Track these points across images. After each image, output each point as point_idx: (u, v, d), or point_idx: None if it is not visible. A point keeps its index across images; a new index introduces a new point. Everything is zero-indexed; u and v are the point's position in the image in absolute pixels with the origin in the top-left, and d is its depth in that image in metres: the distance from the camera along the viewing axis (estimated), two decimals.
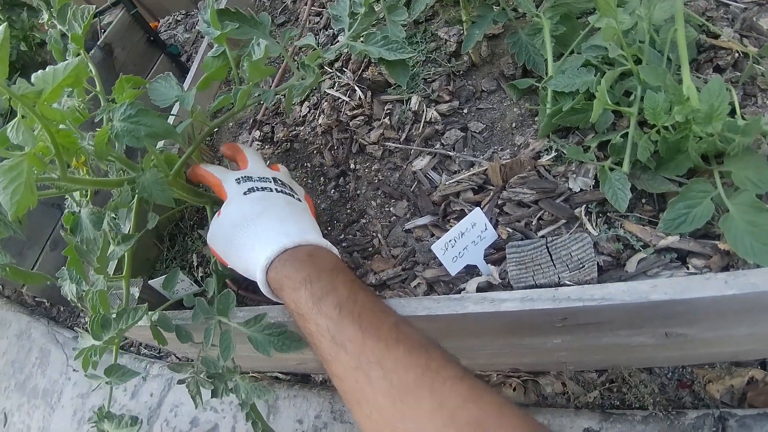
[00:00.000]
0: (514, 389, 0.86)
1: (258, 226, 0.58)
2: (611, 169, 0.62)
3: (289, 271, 0.53)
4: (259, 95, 0.65)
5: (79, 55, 0.75)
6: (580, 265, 0.55)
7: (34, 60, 1.68)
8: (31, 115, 0.51)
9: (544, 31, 0.73)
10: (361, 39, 0.66)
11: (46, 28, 1.83)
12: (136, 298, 0.81)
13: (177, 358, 1.18)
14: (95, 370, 0.64)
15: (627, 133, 0.63)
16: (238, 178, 0.65)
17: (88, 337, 0.69)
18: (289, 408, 0.94)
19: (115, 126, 0.56)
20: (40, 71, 0.55)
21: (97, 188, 0.65)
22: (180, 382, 0.72)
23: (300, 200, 0.67)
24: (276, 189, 0.65)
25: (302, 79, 0.64)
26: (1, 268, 0.58)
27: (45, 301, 1.57)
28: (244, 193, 0.62)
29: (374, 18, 0.66)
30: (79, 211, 0.69)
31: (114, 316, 0.58)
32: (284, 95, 0.66)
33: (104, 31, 1.45)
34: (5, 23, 0.54)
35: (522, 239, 0.62)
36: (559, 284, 0.56)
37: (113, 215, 0.62)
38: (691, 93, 0.58)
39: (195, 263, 0.85)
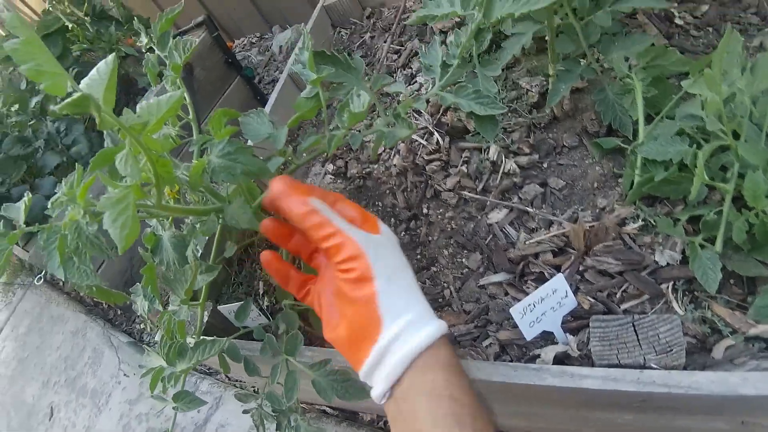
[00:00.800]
0: None
1: (408, 283, 0.47)
2: (702, 246, 0.60)
3: (437, 374, 0.42)
4: (346, 137, 0.66)
5: (175, 82, 0.78)
6: (668, 349, 0.53)
7: (117, 72, 1.78)
8: (135, 145, 0.53)
9: (635, 92, 0.72)
10: (450, 90, 0.66)
11: (138, 44, 1.93)
12: (205, 322, 0.82)
13: (227, 377, 1.19)
14: (164, 393, 0.65)
15: (720, 210, 0.61)
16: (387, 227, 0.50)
17: (155, 356, 0.70)
18: None
19: (213, 161, 0.57)
20: (144, 102, 0.57)
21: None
22: (245, 411, 0.72)
23: None
24: None
25: (391, 127, 0.64)
26: (89, 287, 0.60)
27: (103, 302, 1.63)
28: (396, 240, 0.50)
29: (466, 70, 0.66)
30: (161, 233, 0.71)
31: (192, 345, 0.59)
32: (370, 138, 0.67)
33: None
34: (114, 54, 0.56)
35: (604, 311, 0.60)
36: (644, 366, 0.53)
37: (195, 244, 0.64)
38: None
39: (261, 291, 0.86)
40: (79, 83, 0.51)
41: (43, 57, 0.47)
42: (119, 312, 1.57)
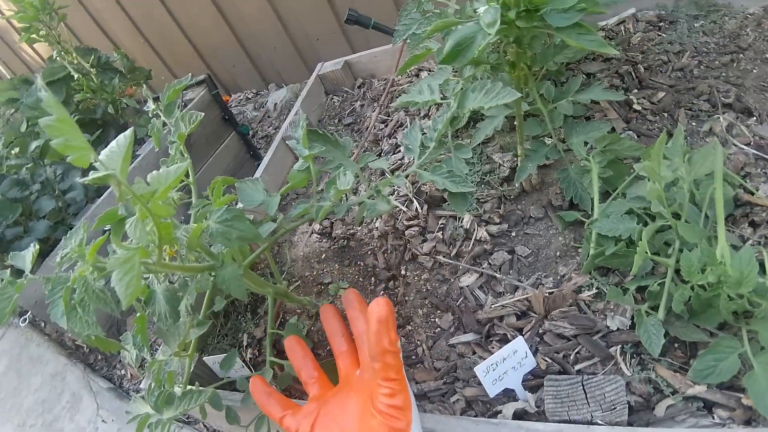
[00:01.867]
0: None
1: None
2: (647, 314, 0.67)
3: None
4: (332, 206, 0.73)
5: (180, 150, 0.86)
6: (612, 407, 0.59)
7: (116, 121, 1.86)
8: (143, 211, 0.60)
9: (592, 173, 0.81)
10: (425, 168, 0.75)
11: (137, 95, 2.03)
12: (190, 371, 0.87)
13: (204, 426, 1.21)
14: None
15: (663, 282, 0.68)
16: None
17: (141, 403, 0.75)
18: None
19: (211, 227, 0.64)
20: (154, 172, 0.64)
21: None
22: None
23: None
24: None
25: (371, 198, 0.72)
26: (88, 337, 0.65)
27: (84, 346, 1.64)
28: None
29: (442, 151, 0.74)
30: (155, 286, 0.76)
31: (179, 394, 0.64)
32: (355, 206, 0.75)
33: (185, 106, 1.61)
34: (132, 129, 0.63)
35: (559, 371, 0.67)
36: (591, 422, 0.59)
37: (189, 300, 0.70)
38: (725, 255, 0.64)
39: (245, 343, 0.91)
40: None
41: (73, 133, 0.54)
42: (100, 357, 1.58)
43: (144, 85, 1.78)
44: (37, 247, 0.75)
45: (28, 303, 1.34)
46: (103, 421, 1.38)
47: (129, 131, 0.61)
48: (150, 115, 0.94)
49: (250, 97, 2.19)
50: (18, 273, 0.71)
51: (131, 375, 1.43)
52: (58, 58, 1.82)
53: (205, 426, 1.22)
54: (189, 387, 0.68)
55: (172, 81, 0.89)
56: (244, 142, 1.73)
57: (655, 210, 0.72)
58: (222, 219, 0.64)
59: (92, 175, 0.51)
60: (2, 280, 0.65)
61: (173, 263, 0.72)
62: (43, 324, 1.86)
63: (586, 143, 0.85)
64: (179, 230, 0.70)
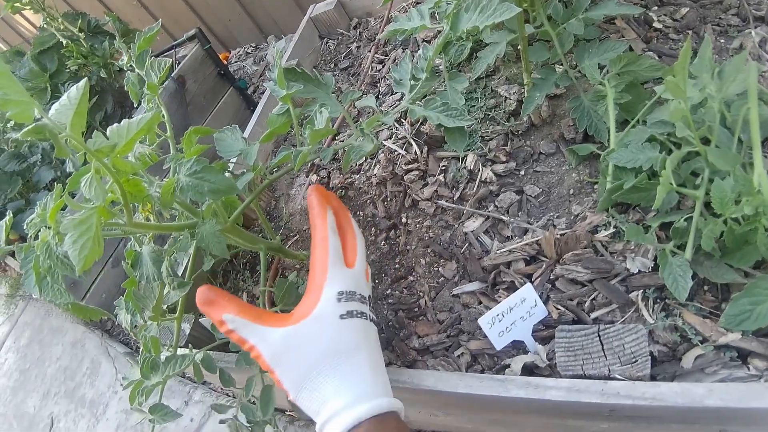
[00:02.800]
0: None
1: (346, 368, 0.48)
2: (673, 254, 0.60)
3: None
4: (317, 152, 0.66)
5: (153, 101, 0.79)
6: (633, 360, 0.53)
7: (111, 86, 1.80)
8: (101, 167, 0.54)
9: (608, 99, 0.72)
10: (420, 102, 0.67)
11: (125, 68, 1.95)
12: (187, 334, 0.83)
13: (219, 387, 1.20)
14: (140, 406, 0.66)
15: (691, 217, 0.60)
16: (342, 292, 0.52)
17: (136, 368, 0.72)
18: None
19: (181, 180, 0.58)
20: (115, 125, 0.58)
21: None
22: (221, 422, 0.73)
23: (375, 322, 0.57)
24: (370, 316, 0.55)
25: (361, 140, 0.65)
26: (65, 305, 0.61)
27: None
28: (341, 317, 0.51)
29: (435, 83, 0.66)
30: (141, 248, 0.72)
31: (163, 360, 0.60)
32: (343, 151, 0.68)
33: (179, 64, 1.54)
34: (85, 79, 0.57)
35: (573, 320, 0.60)
36: (608, 377, 0.53)
37: (173, 259, 0.65)
38: (763, 183, 0.55)
39: None
40: None
41: (11, 87, 0.48)
42: (116, 323, 1.59)
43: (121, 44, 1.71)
44: (11, 216, 0.71)
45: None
46: (121, 385, 1.38)
47: (82, 82, 0.54)
48: (125, 68, 0.87)
49: (249, 51, 2.10)
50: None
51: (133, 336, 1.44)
52: (45, 26, 1.75)
53: (221, 387, 1.21)
54: (174, 353, 0.64)
55: (168, 42, 0.83)
56: (243, 97, 1.65)
57: (680, 135, 0.63)
58: (191, 171, 0.58)
59: (25, 128, 0.45)
60: None
61: (148, 223, 0.67)
62: None
63: (600, 67, 0.75)
64: (152, 187, 0.65)
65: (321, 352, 0.49)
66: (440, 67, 0.78)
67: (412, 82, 0.66)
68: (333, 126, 0.97)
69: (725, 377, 0.54)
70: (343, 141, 0.99)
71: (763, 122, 0.66)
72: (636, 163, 0.64)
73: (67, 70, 1.62)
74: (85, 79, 0.56)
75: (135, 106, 1.78)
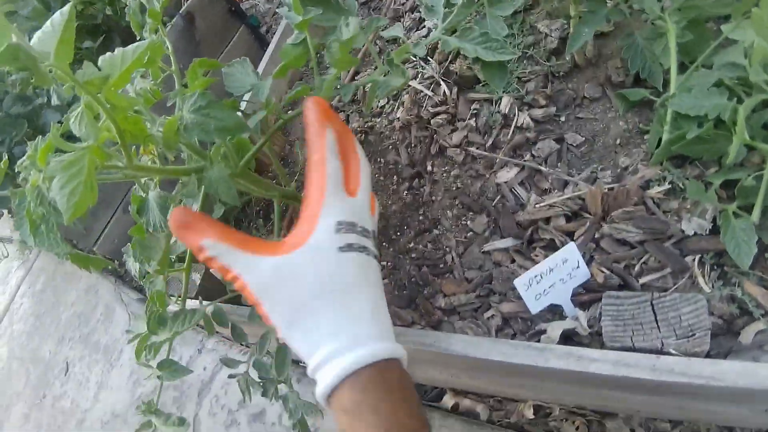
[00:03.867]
0: (577, 428, 0.79)
1: (344, 307, 0.43)
2: (736, 216, 0.53)
3: (373, 414, 0.39)
4: (338, 88, 0.59)
5: (156, 32, 0.72)
6: (691, 333, 0.47)
7: (119, 25, 1.71)
8: (91, 102, 0.48)
9: (668, 36, 0.63)
10: (456, 33, 0.59)
11: None
12: (197, 284, 0.79)
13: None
14: (148, 362, 0.62)
15: (761, 175, 0.53)
16: (341, 223, 0.45)
17: (142, 321, 0.68)
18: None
19: (185, 117, 0.52)
20: (108, 54, 0.51)
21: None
22: (231, 376, 0.70)
23: (377, 258, 0.49)
24: (373, 252, 0.47)
25: (386, 75, 0.57)
26: (64, 255, 0.57)
27: (114, 260, 1.62)
28: (340, 248, 0.44)
29: (473, 9, 0.58)
30: (147, 194, 0.67)
31: (171, 315, 0.56)
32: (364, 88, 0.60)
33: (187, 0, 1.44)
34: (71, 3, 0.50)
35: (620, 285, 0.54)
36: (661, 351, 0.48)
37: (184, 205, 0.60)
38: None
39: None
40: (80, 37, 0.46)
41: None
42: (127, 269, 1.57)
43: None
44: (6, 159, 0.66)
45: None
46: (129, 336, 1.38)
47: (67, 6, 0.47)
48: None
49: None
50: None
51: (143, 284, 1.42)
52: None
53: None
54: (182, 308, 0.60)
55: None
56: (256, 36, 1.56)
57: (754, 80, 0.54)
58: (196, 107, 0.51)
59: None
60: None
61: (150, 165, 0.61)
62: (74, 240, 1.86)
63: (659, 0, 0.66)
64: (155, 125, 0.59)
65: (316, 287, 0.43)
66: None
67: (446, 9, 0.58)
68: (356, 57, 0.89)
69: None
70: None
71: None
72: (700, 111, 0.56)
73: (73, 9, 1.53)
74: (71, 3, 0.49)
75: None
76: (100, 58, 0.51)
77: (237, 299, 0.71)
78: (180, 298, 0.66)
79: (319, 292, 0.42)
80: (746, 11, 0.57)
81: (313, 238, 0.44)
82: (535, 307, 0.54)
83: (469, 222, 0.68)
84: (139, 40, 0.81)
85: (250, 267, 0.43)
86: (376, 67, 0.59)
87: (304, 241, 0.44)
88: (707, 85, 0.58)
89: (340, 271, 0.43)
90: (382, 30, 0.59)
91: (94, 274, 1.62)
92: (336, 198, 0.46)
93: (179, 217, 0.46)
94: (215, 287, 0.81)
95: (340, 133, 0.49)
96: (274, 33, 1.82)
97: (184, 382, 1.16)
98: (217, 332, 1.26)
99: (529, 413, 0.75)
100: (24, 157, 0.58)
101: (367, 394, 0.38)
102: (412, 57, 0.86)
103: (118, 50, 0.51)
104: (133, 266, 0.74)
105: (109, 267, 0.73)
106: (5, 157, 0.69)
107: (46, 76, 0.42)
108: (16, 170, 0.58)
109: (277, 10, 1.87)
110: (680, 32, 0.63)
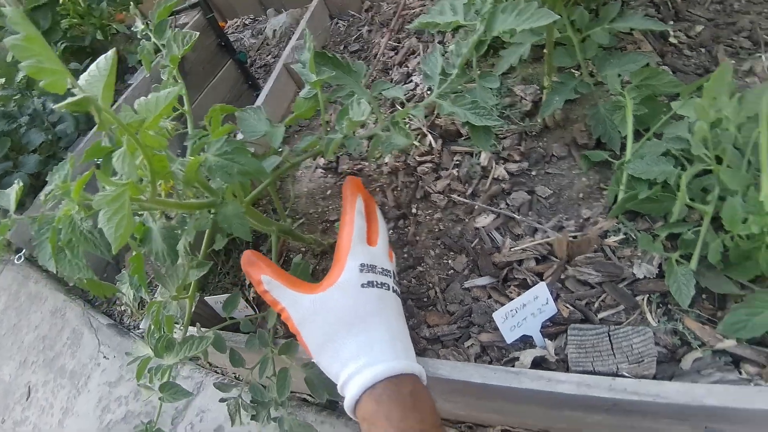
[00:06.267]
0: None
1: (365, 333, 0.52)
2: (678, 263, 0.63)
3: (389, 410, 0.46)
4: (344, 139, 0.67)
5: (173, 74, 0.78)
6: (640, 359, 0.56)
7: (107, 49, 1.74)
8: (132, 143, 0.53)
9: (626, 110, 0.74)
10: (445, 97, 0.68)
11: (129, 23, 1.89)
12: (191, 312, 0.83)
13: (208, 363, 1.20)
14: (151, 383, 0.66)
15: (698, 230, 0.63)
16: (363, 265, 0.56)
17: (142, 344, 0.71)
18: None
19: (210, 160, 0.58)
20: (142, 98, 0.57)
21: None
22: (222, 400, 0.74)
23: (399, 294, 0.61)
24: (393, 287, 0.58)
25: (387, 131, 0.65)
26: (79, 280, 0.61)
27: None
28: (362, 285, 0.54)
29: (465, 80, 0.67)
30: (151, 224, 0.71)
31: (179, 340, 0.60)
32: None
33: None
34: (114, 49, 0.56)
35: (582, 319, 0.63)
36: (616, 374, 0.56)
37: (188, 239, 0.65)
38: None
39: (248, 282, 0.87)
40: (65, 57, 0.52)
41: (45, 54, 0.47)
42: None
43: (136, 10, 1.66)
44: (22, 184, 0.69)
45: (24, 240, 1.29)
46: (104, 357, 1.37)
47: (111, 52, 0.53)
48: (139, 36, 0.85)
49: (247, 23, 2.06)
50: (5, 212, 0.66)
51: (132, 311, 1.41)
52: None
53: (208, 362, 1.21)
54: (190, 334, 0.65)
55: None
56: (242, 71, 1.62)
57: (696, 153, 0.65)
58: (222, 151, 0.58)
59: (68, 100, 0.44)
60: None
61: (170, 200, 0.66)
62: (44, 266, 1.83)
63: (619, 76, 0.77)
64: (175, 164, 0.64)
65: (342, 317, 0.53)
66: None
67: (441, 77, 0.67)
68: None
69: (719, 379, 0.57)
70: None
71: None
72: (651, 175, 0.66)
73: (61, 29, 1.57)
74: (114, 49, 0.55)
75: (131, 70, 1.73)
76: (136, 102, 0.57)
77: (234, 327, 0.76)
78: (183, 325, 0.70)
79: (344, 321, 0.52)
80: (693, 91, 0.69)
81: (342, 278, 0.55)
82: (509, 337, 0.62)
83: (450, 261, 0.76)
84: (146, 74, 0.87)
85: (295, 302, 0.55)
86: (376, 121, 0.68)
87: (335, 281, 0.54)
88: (657, 154, 0.69)
89: (360, 303, 0.53)
90: (385, 90, 0.67)
91: (61, 296, 1.61)
92: (360, 246, 0.58)
93: (249, 256, 0.59)
94: (207, 314, 0.86)
95: (367, 201, 0.64)
96: (259, 67, 1.90)
97: (156, 410, 1.17)
98: (191, 359, 1.28)
99: None
100: (50, 186, 0.62)
101: (381, 404, 0.46)
102: (400, 108, 0.95)
103: (152, 95, 0.57)
104: (127, 292, 0.78)
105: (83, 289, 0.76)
106: None
107: (107, 122, 0.48)
108: (43, 196, 0.62)
109: (266, 41, 1.95)
110: (636, 106, 0.74)
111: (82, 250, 0.58)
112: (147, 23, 0.84)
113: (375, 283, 0.55)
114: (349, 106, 0.58)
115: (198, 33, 0.71)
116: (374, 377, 0.47)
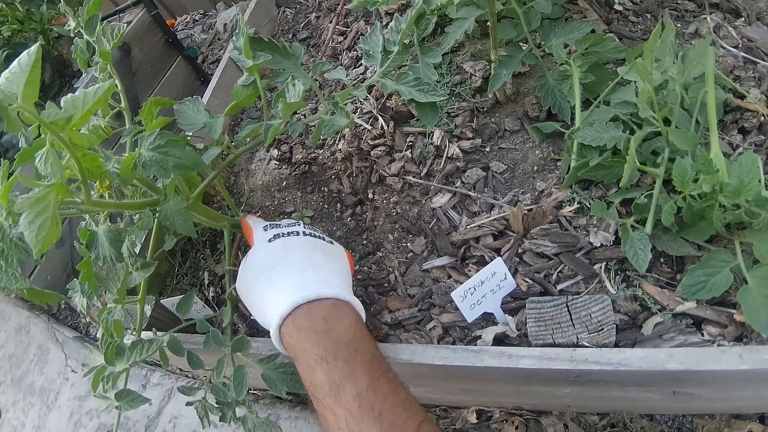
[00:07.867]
0: (516, 428, 0.86)
1: (275, 276, 0.55)
2: (633, 228, 0.63)
3: (303, 342, 0.49)
4: (287, 125, 0.65)
5: (105, 69, 0.74)
6: (599, 328, 0.55)
7: (50, 53, 1.67)
8: (58, 142, 0.51)
9: (573, 79, 0.73)
10: (390, 76, 0.66)
11: (66, 24, 1.82)
12: (148, 316, 0.80)
13: (178, 368, 1.17)
14: (105, 392, 0.63)
15: (651, 193, 0.63)
16: (266, 226, 0.63)
17: (99, 354, 0.69)
18: (291, 430, 0.94)
19: (144, 155, 0.55)
20: (69, 95, 0.54)
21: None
22: (189, 404, 0.71)
23: (331, 243, 0.64)
24: (303, 232, 0.62)
25: (330, 114, 0.63)
26: (20, 290, 0.58)
27: None
28: (269, 240, 0.60)
29: (407, 57, 0.66)
30: (96, 228, 0.68)
31: (129, 345, 0.58)
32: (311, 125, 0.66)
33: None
34: (38, 43, 0.53)
35: (541, 291, 0.62)
36: (577, 345, 0.56)
37: (133, 238, 0.62)
38: (720, 163, 0.58)
39: (206, 282, 0.85)
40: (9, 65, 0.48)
41: None
42: (63, 306, 1.51)
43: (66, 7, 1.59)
44: None
45: None
46: (72, 371, 1.33)
47: (34, 47, 0.50)
48: (72, 34, 0.81)
49: (197, 18, 2.00)
50: None
51: (91, 320, 1.37)
52: None
53: (178, 368, 1.18)
54: (140, 338, 0.62)
55: (111, 7, 0.77)
56: (193, 67, 1.58)
57: (643, 115, 0.65)
58: (155, 145, 0.55)
59: None
60: None
61: (106, 201, 0.63)
62: None
63: (565, 46, 0.76)
64: (110, 162, 0.61)
65: (255, 271, 0.58)
66: (406, 41, 0.78)
67: (383, 55, 0.65)
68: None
69: (681, 342, 0.57)
70: (305, 116, 0.96)
71: (719, 105, 0.70)
72: (600, 142, 0.66)
73: (3, 37, 1.49)
74: (38, 44, 0.52)
75: (77, 74, 1.66)
76: (63, 99, 0.53)
77: (191, 329, 0.74)
78: (134, 330, 0.67)
79: (256, 273, 0.57)
80: (638, 55, 0.69)
81: (254, 244, 0.61)
82: (470, 316, 0.61)
83: (409, 244, 0.75)
84: (83, 73, 0.83)
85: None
86: (320, 104, 0.66)
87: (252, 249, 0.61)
88: (606, 120, 0.69)
89: (268, 255, 0.58)
90: (326, 72, 0.65)
91: (24, 312, 1.55)
92: (258, 223, 0.64)
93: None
94: (166, 318, 0.83)
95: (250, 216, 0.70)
96: (211, 63, 1.85)
97: (128, 419, 1.14)
98: (160, 366, 1.24)
99: (473, 418, 0.81)
100: None
101: (301, 331, 0.50)
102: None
103: (80, 91, 0.54)
104: (80, 301, 0.75)
105: (49, 304, 0.73)
106: None
107: (17, 122, 0.45)
108: None
109: (217, 37, 1.90)
110: (583, 74, 0.74)
111: (16, 258, 0.55)
112: (78, 21, 0.81)
113: (281, 234, 0.61)
114: (285, 89, 0.55)
115: (125, 25, 0.68)
116: (282, 314, 0.51)
